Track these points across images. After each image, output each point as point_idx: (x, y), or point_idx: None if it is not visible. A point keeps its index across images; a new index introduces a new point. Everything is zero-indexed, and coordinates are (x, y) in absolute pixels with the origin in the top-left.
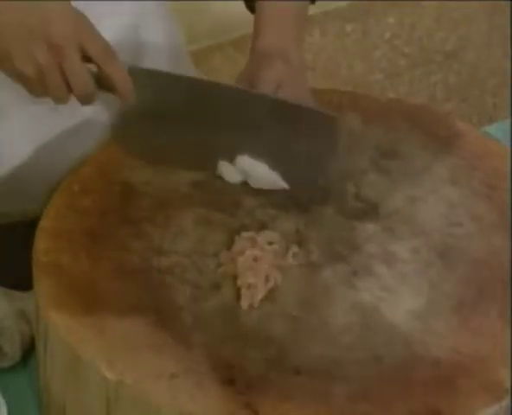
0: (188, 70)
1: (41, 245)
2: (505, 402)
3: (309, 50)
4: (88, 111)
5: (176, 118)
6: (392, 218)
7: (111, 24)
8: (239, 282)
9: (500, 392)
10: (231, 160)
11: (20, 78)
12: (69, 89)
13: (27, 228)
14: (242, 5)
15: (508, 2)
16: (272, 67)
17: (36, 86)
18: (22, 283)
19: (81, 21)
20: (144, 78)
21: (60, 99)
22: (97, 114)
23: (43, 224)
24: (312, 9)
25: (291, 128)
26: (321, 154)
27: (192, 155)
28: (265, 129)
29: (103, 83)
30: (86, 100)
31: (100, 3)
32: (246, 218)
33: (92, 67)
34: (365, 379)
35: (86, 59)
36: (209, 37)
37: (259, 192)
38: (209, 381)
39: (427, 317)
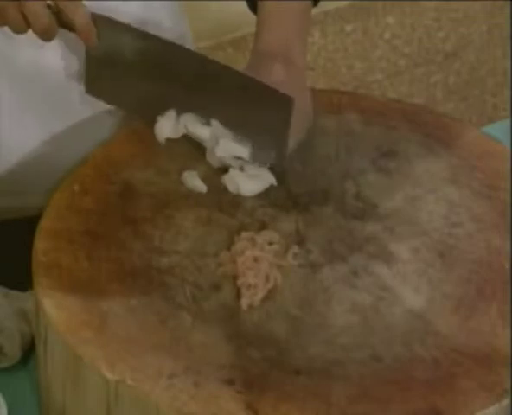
0: None
1: (41, 245)
2: (505, 402)
3: (309, 50)
4: (91, 110)
5: (134, 67)
6: (392, 218)
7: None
8: (239, 282)
9: (500, 392)
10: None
11: None
12: (28, 24)
13: (27, 227)
14: (242, 5)
15: (508, 2)
16: (271, 71)
17: None
18: (22, 283)
19: None
20: (106, 26)
21: (18, 32)
22: (99, 113)
23: (43, 224)
24: (312, 10)
25: (246, 100)
26: (274, 131)
27: (145, 103)
28: (221, 96)
29: (64, 21)
30: (45, 37)
31: (107, 2)
32: (246, 218)
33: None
34: (365, 379)
35: None
36: (209, 37)
37: (260, 192)
38: (209, 381)
39: (427, 317)
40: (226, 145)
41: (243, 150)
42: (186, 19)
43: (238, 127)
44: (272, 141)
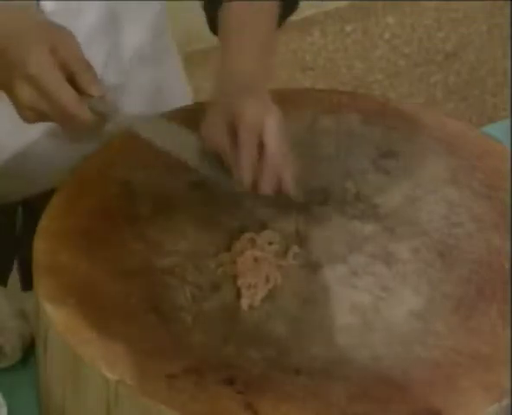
0: (174, 69)
1: (41, 245)
2: (505, 402)
3: (309, 50)
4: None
5: None
6: (392, 218)
7: (92, 10)
8: (239, 282)
9: (500, 392)
10: None
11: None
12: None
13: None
14: None
15: (508, 2)
16: (250, 108)
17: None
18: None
19: (58, 39)
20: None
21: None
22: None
23: (43, 224)
24: (312, 9)
25: None
26: None
27: None
28: None
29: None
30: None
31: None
32: (246, 218)
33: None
34: (365, 379)
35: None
36: (209, 37)
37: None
38: (209, 381)
39: (427, 317)
40: None
41: None
42: (164, 14)
43: None
44: None
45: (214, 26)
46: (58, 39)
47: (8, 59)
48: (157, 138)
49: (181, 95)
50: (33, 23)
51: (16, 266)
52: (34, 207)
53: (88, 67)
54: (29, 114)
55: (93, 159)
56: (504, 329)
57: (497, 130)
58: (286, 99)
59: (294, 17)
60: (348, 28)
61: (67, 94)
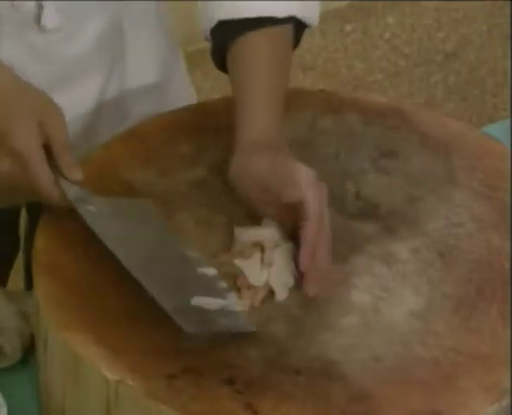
0: (178, 71)
1: (41, 245)
2: (505, 402)
3: (309, 50)
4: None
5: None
6: (392, 218)
7: (95, 22)
8: (239, 282)
9: (500, 392)
10: None
11: None
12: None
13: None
14: None
15: (508, 2)
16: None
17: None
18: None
19: (46, 117)
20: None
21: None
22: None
23: (43, 224)
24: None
25: None
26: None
27: None
28: None
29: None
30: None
31: (84, 3)
32: (246, 218)
33: None
34: (365, 380)
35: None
36: None
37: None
38: (209, 381)
39: (427, 317)
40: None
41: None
42: (169, 21)
43: None
44: None
45: (219, 60)
46: (46, 113)
47: None
48: (118, 251)
49: (185, 97)
50: (22, 91)
51: (18, 266)
52: (38, 206)
53: (69, 149)
54: (2, 182)
55: (93, 159)
56: (504, 329)
57: (497, 130)
58: (286, 99)
59: None
60: (348, 28)
61: (44, 177)
